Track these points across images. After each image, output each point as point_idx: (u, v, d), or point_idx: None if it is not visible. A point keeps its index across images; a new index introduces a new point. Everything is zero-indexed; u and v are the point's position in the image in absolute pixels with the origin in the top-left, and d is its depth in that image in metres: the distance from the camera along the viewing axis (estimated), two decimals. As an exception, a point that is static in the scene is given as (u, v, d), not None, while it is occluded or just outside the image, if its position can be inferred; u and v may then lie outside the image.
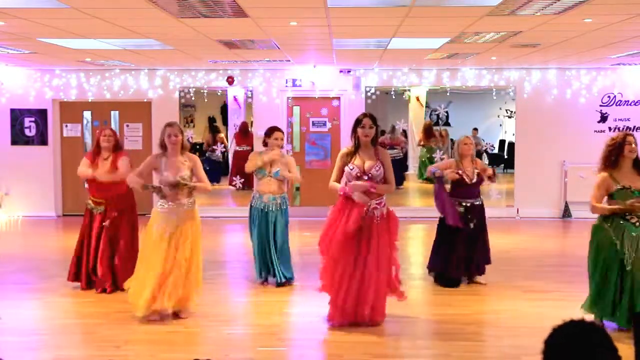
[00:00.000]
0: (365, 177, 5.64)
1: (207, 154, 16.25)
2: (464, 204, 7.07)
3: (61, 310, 6.39)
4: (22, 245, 9.85)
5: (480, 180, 7.16)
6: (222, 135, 16.56)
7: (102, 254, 6.89)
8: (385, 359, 5.07)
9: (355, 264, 5.61)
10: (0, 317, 5.98)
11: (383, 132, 17.82)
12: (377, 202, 5.67)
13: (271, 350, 5.30)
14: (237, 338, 5.61)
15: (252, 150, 13.65)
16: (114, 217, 6.93)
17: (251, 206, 7.33)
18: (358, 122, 5.75)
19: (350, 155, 5.77)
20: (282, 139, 7.29)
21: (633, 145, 5.66)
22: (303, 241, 10.19)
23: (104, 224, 6.93)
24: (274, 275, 7.22)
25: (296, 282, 7.47)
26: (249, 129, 15.12)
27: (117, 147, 7.04)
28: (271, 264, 7.19)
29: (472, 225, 7.08)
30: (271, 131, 7.32)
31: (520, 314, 6.24)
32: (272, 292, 7.05)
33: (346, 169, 5.73)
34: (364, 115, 5.80)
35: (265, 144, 7.30)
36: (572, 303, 6.56)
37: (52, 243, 10.40)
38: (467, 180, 7.07)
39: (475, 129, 19.15)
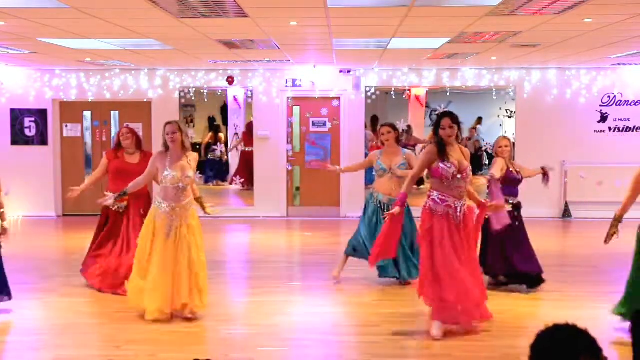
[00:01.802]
0: (459, 176, 5.57)
1: (209, 155, 16.26)
2: (511, 201, 7.06)
3: (61, 310, 6.39)
4: (22, 245, 9.84)
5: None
6: (222, 134, 16.59)
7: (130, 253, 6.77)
8: (385, 359, 5.07)
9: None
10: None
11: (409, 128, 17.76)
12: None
13: (271, 350, 5.30)
14: (237, 338, 5.61)
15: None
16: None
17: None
18: (437, 125, 5.66)
19: (439, 154, 5.61)
20: (388, 133, 7.26)
21: None
22: (304, 241, 10.20)
23: (141, 211, 6.85)
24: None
25: (297, 282, 7.47)
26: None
27: (139, 144, 7.12)
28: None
29: (517, 222, 7.03)
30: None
31: (520, 314, 6.24)
32: (272, 292, 7.06)
33: (442, 166, 5.55)
34: (443, 114, 5.72)
35: (382, 143, 7.38)
36: (572, 303, 6.58)
37: (52, 243, 10.41)
38: (517, 176, 7.10)
39: (474, 129, 19.16)
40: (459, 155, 5.64)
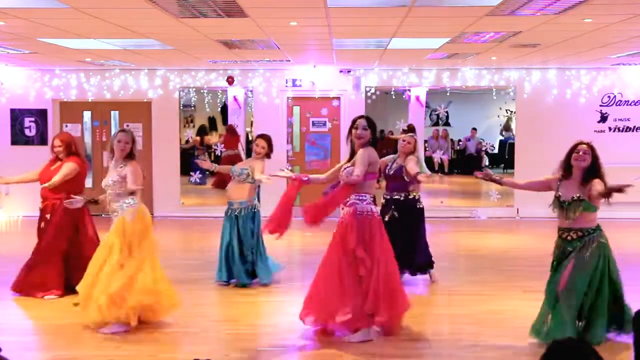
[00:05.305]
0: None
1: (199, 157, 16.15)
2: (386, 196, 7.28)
3: (61, 310, 6.38)
4: (22, 245, 9.83)
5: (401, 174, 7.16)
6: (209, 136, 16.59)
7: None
8: (385, 359, 5.07)
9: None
10: None
11: (382, 132, 17.84)
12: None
13: (271, 350, 5.30)
14: (237, 338, 5.61)
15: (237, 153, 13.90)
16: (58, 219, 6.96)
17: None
18: (352, 123, 5.60)
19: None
20: (263, 148, 7.77)
21: (580, 154, 5.46)
22: (304, 241, 10.19)
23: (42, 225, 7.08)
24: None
25: (297, 282, 7.47)
26: (236, 131, 15.19)
27: (69, 153, 7.00)
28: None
29: (386, 217, 7.03)
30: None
31: (520, 314, 6.23)
32: (272, 292, 7.06)
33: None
34: (360, 116, 5.63)
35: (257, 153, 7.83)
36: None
37: (52, 243, 10.39)
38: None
39: (474, 129, 19.20)
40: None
